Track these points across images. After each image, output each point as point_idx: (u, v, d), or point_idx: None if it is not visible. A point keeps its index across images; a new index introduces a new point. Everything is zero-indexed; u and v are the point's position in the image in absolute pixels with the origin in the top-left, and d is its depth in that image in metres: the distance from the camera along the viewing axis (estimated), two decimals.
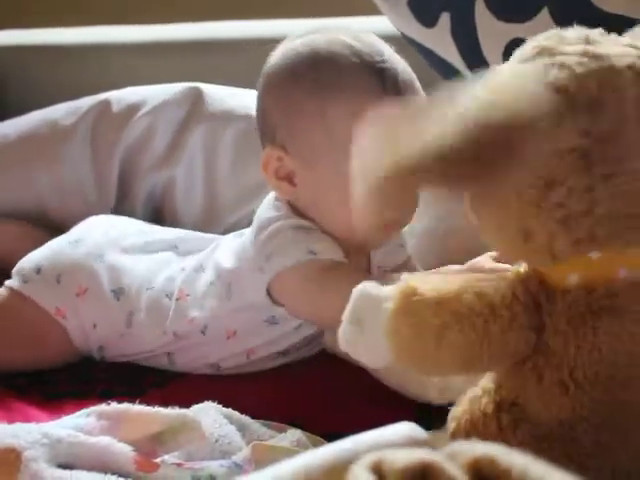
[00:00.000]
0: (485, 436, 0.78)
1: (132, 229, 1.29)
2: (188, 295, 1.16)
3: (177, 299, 1.16)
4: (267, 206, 1.14)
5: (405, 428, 0.72)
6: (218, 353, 1.16)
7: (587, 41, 0.78)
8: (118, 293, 1.19)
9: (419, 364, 0.80)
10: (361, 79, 1.06)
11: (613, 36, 0.80)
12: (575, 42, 0.78)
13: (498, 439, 0.76)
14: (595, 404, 0.76)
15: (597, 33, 0.80)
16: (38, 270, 1.22)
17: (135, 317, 1.18)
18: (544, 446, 0.77)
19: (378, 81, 1.06)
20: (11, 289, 1.22)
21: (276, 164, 1.10)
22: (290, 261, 1.08)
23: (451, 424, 0.83)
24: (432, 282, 0.79)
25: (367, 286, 0.80)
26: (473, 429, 0.80)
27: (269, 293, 1.10)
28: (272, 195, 1.15)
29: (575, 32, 0.80)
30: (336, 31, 1.11)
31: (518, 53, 0.82)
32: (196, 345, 1.16)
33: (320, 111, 1.07)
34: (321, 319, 1.10)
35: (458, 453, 0.62)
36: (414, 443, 0.70)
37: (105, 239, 1.24)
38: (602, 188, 0.75)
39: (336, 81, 1.07)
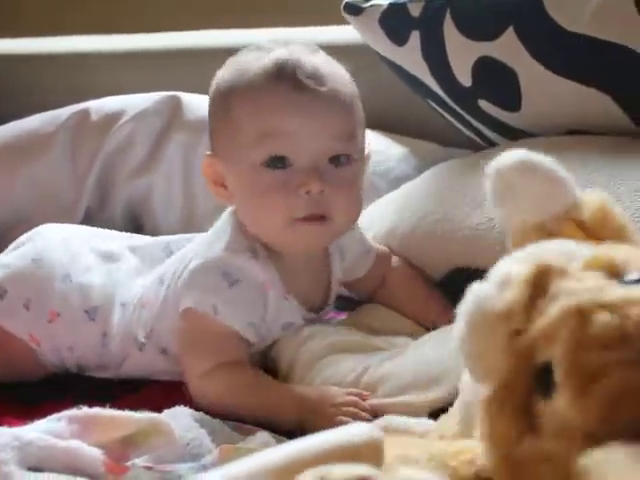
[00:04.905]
0: None
1: (87, 239, 1.25)
2: (146, 305, 1.16)
3: (141, 306, 1.17)
4: (222, 222, 1.15)
5: (365, 429, 0.73)
6: None
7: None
8: (92, 313, 1.18)
9: None
10: (259, 70, 1.10)
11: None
12: None
13: None
14: None
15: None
16: (2, 294, 1.18)
17: (108, 337, 1.17)
18: None
19: (273, 69, 1.09)
20: None
21: (209, 170, 1.14)
22: (192, 303, 1.09)
23: None
24: None
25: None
26: None
27: None
28: (229, 209, 1.16)
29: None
30: (273, 45, 1.12)
31: None
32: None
33: (227, 108, 1.11)
34: (184, 373, 1.11)
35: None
36: (373, 443, 0.72)
37: (67, 257, 1.20)
38: None
39: (239, 79, 1.11)
